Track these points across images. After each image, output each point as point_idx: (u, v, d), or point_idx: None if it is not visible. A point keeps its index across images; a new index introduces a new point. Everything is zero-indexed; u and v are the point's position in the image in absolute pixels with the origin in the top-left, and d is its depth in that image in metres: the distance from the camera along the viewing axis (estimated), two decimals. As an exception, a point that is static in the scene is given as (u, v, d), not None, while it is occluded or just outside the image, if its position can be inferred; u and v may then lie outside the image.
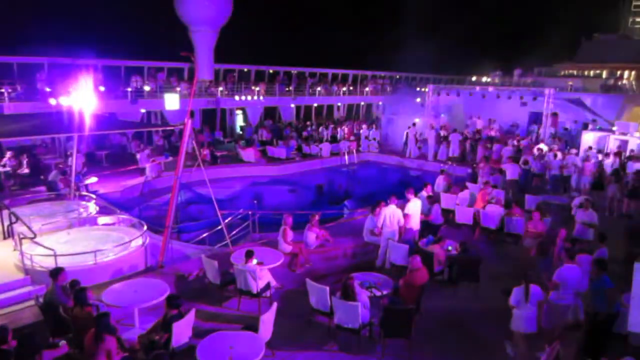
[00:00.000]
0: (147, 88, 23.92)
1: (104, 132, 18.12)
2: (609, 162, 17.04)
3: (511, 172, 15.70)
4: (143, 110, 24.13)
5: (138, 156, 18.04)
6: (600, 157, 17.84)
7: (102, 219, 11.38)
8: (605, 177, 15.92)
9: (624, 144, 19.80)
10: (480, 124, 26.37)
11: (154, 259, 9.49)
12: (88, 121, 10.95)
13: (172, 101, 21.75)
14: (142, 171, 17.27)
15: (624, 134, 20.51)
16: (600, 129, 22.61)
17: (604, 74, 39.21)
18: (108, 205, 12.90)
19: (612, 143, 20.15)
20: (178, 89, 24.42)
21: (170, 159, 18.24)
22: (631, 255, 8.90)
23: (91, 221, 11.18)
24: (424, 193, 11.75)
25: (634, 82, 36.30)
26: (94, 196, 13.08)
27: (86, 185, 14.31)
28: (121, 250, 9.11)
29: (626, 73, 39.73)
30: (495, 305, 8.43)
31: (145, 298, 7.25)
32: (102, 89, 21.41)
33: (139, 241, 9.53)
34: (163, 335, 6.12)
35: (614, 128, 21.83)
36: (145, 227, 9.95)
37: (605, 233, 8.90)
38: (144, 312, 7.41)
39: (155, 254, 9.52)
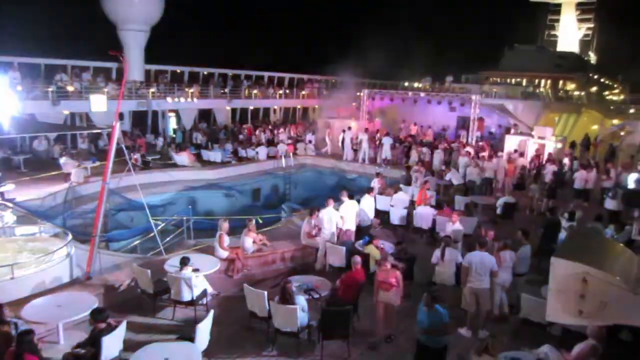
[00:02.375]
0: (70, 88, 22.51)
1: (21, 135, 16.90)
2: (527, 164, 18.28)
3: (455, 177, 16.46)
4: (66, 112, 22.67)
5: (61, 161, 16.96)
6: (521, 159, 19.05)
7: (21, 229, 10.58)
8: (526, 178, 17.07)
9: (541, 147, 21.33)
10: (414, 130, 27.28)
11: (81, 271, 8.95)
12: (4, 123, 10.16)
13: (98, 103, 20.61)
14: (66, 177, 16.25)
15: (541, 137, 22.11)
16: (521, 133, 24.23)
17: (524, 82, 42.08)
18: (28, 214, 12.01)
19: (532, 146, 21.64)
20: (105, 89, 23.18)
21: (98, 163, 17.33)
22: (540, 249, 9.67)
23: (7, 232, 10.35)
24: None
25: (549, 90, 39.30)
26: (10, 204, 12.12)
27: (1, 193, 13.24)
28: (42, 263, 8.51)
29: (543, 81, 42.91)
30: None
31: (70, 313, 6.82)
32: (19, 88, 19.91)
33: (63, 252, 8.96)
34: (90, 351, 5.79)
35: (533, 132, 23.48)
36: (70, 237, 9.37)
37: (528, 230, 9.52)
38: (70, 328, 6.98)
39: (82, 265, 8.98)
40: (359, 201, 11.82)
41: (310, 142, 25.39)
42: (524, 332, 7.42)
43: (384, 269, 7.33)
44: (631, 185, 14.23)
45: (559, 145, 22.74)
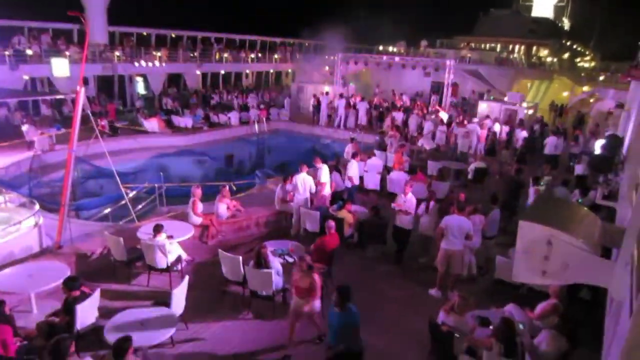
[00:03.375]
0: (29, 52, 21.40)
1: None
2: (498, 130, 18.59)
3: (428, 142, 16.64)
4: (26, 77, 21.64)
5: (24, 128, 16.31)
6: (493, 125, 19.36)
7: (-15, 199, 10.23)
8: (497, 143, 17.43)
9: (513, 112, 21.70)
10: (402, 100, 26.81)
11: (51, 240, 8.79)
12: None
13: (60, 67, 19.71)
14: (29, 145, 15.68)
15: (513, 104, 22.45)
16: (494, 99, 24.53)
17: (498, 48, 42.25)
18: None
19: (504, 112, 21.99)
20: (67, 53, 22.17)
21: (63, 130, 16.75)
22: (504, 206, 9.97)
23: (-29, 202, 10.01)
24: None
25: (523, 56, 39.64)
26: (-28, 174, 11.70)
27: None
28: (10, 233, 8.30)
29: (517, 47, 43.16)
30: (402, 263, 9.08)
31: (41, 282, 6.71)
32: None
33: (31, 221, 8.75)
34: (64, 318, 5.77)
35: (505, 98, 23.80)
36: (37, 206, 9.13)
37: (497, 194, 9.80)
38: (43, 297, 6.91)
39: (51, 235, 8.81)
40: (335, 168, 11.87)
41: (283, 107, 25.13)
42: (497, 292, 7.72)
43: (300, 272, 6.25)
44: (597, 151, 14.71)
45: (531, 111, 23.19)
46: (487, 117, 20.17)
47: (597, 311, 6.17)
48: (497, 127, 18.66)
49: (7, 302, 5.70)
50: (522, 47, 43.15)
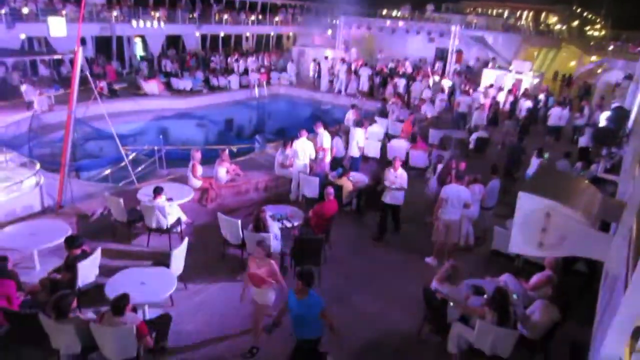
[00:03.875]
0: (25, 10, 20.90)
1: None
2: (502, 100, 18.41)
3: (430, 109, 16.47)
4: (23, 36, 21.20)
5: (22, 88, 16.12)
6: (496, 94, 19.15)
7: (-15, 158, 10.23)
8: (500, 113, 17.25)
9: (518, 82, 21.39)
10: (405, 67, 26.28)
11: (52, 200, 8.84)
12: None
13: (57, 26, 19.22)
14: (28, 105, 15.54)
15: (519, 72, 22.09)
16: (499, 67, 24.12)
17: (506, 13, 41.21)
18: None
19: (509, 81, 21.68)
20: (64, 12, 21.64)
21: (61, 91, 16.56)
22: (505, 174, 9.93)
23: (-28, 160, 10.01)
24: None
25: (530, 23, 38.71)
26: (-28, 133, 11.65)
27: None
28: (12, 191, 8.34)
29: (525, 13, 42.08)
30: (402, 233, 9.15)
31: (43, 240, 6.83)
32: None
33: (32, 181, 8.78)
34: (66, 275, 5.88)
35: (511, 67, 23.39)
36: (38, 166, 9.14)
37: (497, 165, 9.78)
38: (45, 255, 7.01)
39: (52, 194, 8.85)
40: (335, 134, 11.82)
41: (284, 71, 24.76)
42: (493, 262, 7.81)
43: (256, 258, 5.71)
44: (602, 123, 14.62)
45: (536, 81, 22.85)
46: (491, 85, 19.91)
47: (593, 283, 6.28)
48: (501, 97, 18.46)
49: (10, 258, 5.79)
50: (531, 13, 42.08)
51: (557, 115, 15.75)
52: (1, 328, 5.11)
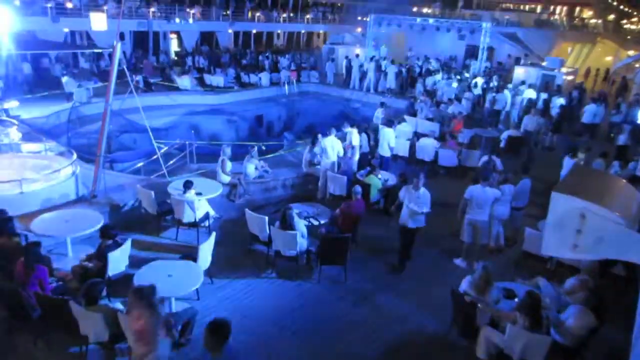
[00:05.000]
0: (69, 4, 21.63)
1: (21, 52, 16.49)
2: (535, 97, 17.89)
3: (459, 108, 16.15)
4: (66, 30, 21.95)
5: (63, 80, 16.68)
6: (527, 91, 18.63)
7: (27, 147, 10.61)
8: (532, 111, 16.76)
9: (551, 78, 20.79)
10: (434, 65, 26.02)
11: (86, 189, 9.10)
12: (4, 40, 9.86)
13: (99, 21, 19.85)
14: (68, 96, 16.06)
15: (552, 69, 21.47)
16: (532, 64, 23.48)
17: (538, 9, 40.04)
18: (33, 132, 12.01)
19: (541, 78, 21.10)
20: (105, 7, 22.30)
21: (100, 84, 17.04)
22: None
23: (14, 148, 10.40)
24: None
25: (564, 18, 37.47)
26: (15, 122, 12.10)
27: (6, 110, 13.17)
28: (50, 179, 8.63)
29: (558, 8, 40.80)
30: (428, 231, 9.00)
31: (77, 228, 7.04)
32: (17, 3, 19.15)
33: (69, 170, 9.04)
34: (97, 264, 6.04)
35: (544, 63, 22.73)
36: (74, 156, 9.41)
37: (528, 164, 9.51)
38: (77, 242, 7.22)
39: (87, 184, 9.12)
40: (364, 132, 11.74)
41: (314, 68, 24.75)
42: (524, 265, 7.59)
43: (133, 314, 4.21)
44: (640, 120, 14.08)
45: (570, 77, 22.16)
46: (523, 82, 19.41)
47: (632, 288, 6.02)
48: (532, 94, 17.95)
49: (44, 244, 5.98)
50: (564, 8, 40.74)
51: (591, 112, 15.18)
52: (34, 312, 5.27)
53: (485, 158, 10.37)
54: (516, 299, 5.68)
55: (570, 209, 3.47)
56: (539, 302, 5.07)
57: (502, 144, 13.55)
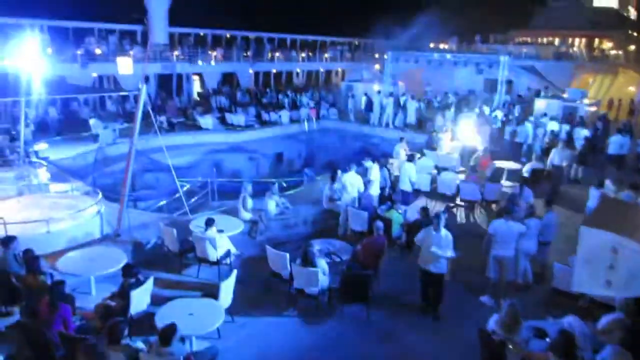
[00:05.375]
0: (98, 51, 22.70)
1: (52, 97, 17.20)
2: (557, 129, 17.70)
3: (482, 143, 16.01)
4: (95, 75, 22.95)
5: (91, 122, 17.28)
6: (550, 123, 18.48)
7: (55, 186, 10.93)
8: (555, 143, 16.54)
9: (573, 110, 20.59)
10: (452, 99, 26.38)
11: (110, 227, 9.24)
12: (36, 85, 10.36)
13: (125, 66, 20.79)
14: (95, 138, 16.58)
15: (574, 100, 21.29)
16: (552, 96, 23.35)
17: (557, 41, 40.11)
18: (60, 172, 12.38)
19: (563, 110, 20.91)
20: (131, 52, 23.31)
21: (125, 125, 17.58)
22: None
23: (42, 188, 10.73)
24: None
25: (584, 50, 37.39)
26: (44, 163, 12.51)
27: (36, 152, 13.65)
28: (75, 219, 8.81)
29: (577, 40, 40.79)
30: (452, 268, 8.80)
31: (101, 266, 7.12)
32: (49, 51, 20.17)
33: (94, 209, 9.24)
34: (120, 303, 6.05)
35: (565, 95, 22.58)
36: (100, 195, 9.63)
37: (554, 198, 9.30)
38: (101, 281, 7.27)
39: (111, 223, 9.27)
40: (381, 168, 11.74)
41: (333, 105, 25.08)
42: (555, 302, 7.30)
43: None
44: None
45: (593, 109, 21.90)
46: (545, 115, 19.27)
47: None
48: (554, 126, 17.77)
49: (69, 283, 6.04)
50: (583, 40, 40.70)
51: (617, 143, 14.87)
52: (58, 351, 5.27)
53: (516, 189, 10.13)
54: (548, 339, 5.44)
55: (601, 244, 3.35)
56: (573, 342, 4.84)
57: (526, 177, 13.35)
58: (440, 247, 6.89)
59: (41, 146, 14.19)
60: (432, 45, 38.26)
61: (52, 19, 23.86)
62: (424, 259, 7.11)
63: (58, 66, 20.11)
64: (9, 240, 6.71)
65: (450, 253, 6.96)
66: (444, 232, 7.00)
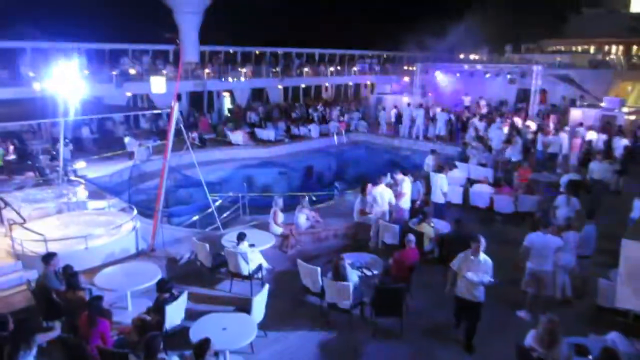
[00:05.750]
0: (132, 71, 23.50)
1: (90, 117, 17.86)
2: (595, 138, 17.17)
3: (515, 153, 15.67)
4: (129, 94, 23.76)
5: (126, 140, 17.83)
6: (587, 133, 17.95)
7: (92, 204, 11.29)
8: (593, 153, 16.03)
9: (612, 119, 19.95)
10: (467, 102, 26.44)
11: (145, 243, 9.47)
12: (74, 106, 10.79)
13: (158, 84, 21.39)
14: (130, 155, 17.09)
15: (611, 109, 20.63)
16: (589, 105, 22.69)
17: (592, 50, 39.14)
18: (97, 189, 12.80)
19: (600, 119, 20.30)
20: (164, 71, 24.02)
21: (158, 142, 18.06)
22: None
23: (81, 206, 11.09)
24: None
25: (622, 57, 36.31)
26: (82, 181, 12.97)
27: (74, 170, 14.17)
28: (112, 235, 9.07)
29: (614, 48, 39.70)
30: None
31: (137, 281, 7.28)
32: (86, 72, 21.01)
33: (130, 225, 9.49)
34: (155, 318, 6.16)
35: (602, 104, 21.92)
36: (135, 211, 9.89)
37: (594, 209, 8.99)
38: (137, 295, 7.42)
39: (146, 238, 9.50)
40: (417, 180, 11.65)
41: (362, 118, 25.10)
42: (597, 318, 7.05)
43: None
44: None
45: (632, 117, 21.14)
46: (581, 124, 18.72)
47: None
48: (592, 136, 17.23)
49: (106, 298, 6.20)
50: (620, 48, 39.52)
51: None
52: (97, 366, 5.39)
53: (562, 199, 9.80)
54: (590, 357, 5.23)
55: (645, 257, 3.22)
56: (617, 359, 4.64)
57: (561, 189, 12.96)
58: (477, 273, 6.38)
59: (79, 165, 14.73)
60: (462, 56, 37.88)
61: (90, 42, 24.88)
62: (460, 286, 6.56)
63: (95, 87, 20.92)
64: (49, 257, 6.93)
65: (487, 279, 6.38)
66: (482, 257, 6.47)
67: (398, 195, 10.51)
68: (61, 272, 6.88)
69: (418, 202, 11.39)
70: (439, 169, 12.19)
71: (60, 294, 6.55)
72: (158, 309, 6.22)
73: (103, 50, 25.50)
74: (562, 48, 38.97)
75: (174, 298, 6.39)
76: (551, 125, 18.65)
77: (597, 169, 12.80)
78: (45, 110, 12.44)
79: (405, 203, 10.72)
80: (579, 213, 8.59)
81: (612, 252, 3.43)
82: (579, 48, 39.74)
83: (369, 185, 10.47)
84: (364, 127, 24.70)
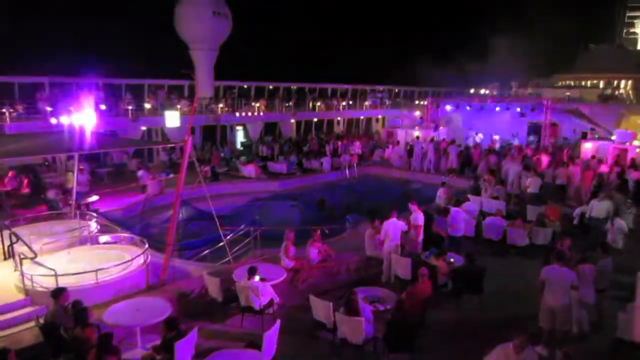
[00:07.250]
0: (147, 106, 24.05)
1: (104, 150, 18.17)
2: (607, 171, 17.06)
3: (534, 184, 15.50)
4: (144, 128, 24.25)
5: (139, 173, 18.07)
6: (598, 166, 17.84)
7: (104, 238, 11.35)
8: (605, 185, 15.85)
9: (623, 152, 19.90)
10: (479, 139, 26.52)
11: (156, 277, 9.44)
12: (89, 139, 10.99)
13: (172, 118, 21.83)
14: (143, 189, 17.27)
15: (623, 142, 20.62)
16: (599, 138, 22.67)
17: (601, 84, 39.36)
18: (109, 223, 12.87)
19: (612, 152, 20.25)
20: (178, 106, 24.54)
21: (171, 175, 18.25)
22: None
23: (92, 240, 11.14)
24: None
25: (630, 92, 36.41)
26: (95, 214, 13.06)
27: (87, 204, 14.32)
28: (123, 269, 9.07)
29: (622, 82, 39.91)
30: (500, 316, 8.42)
31: (147, 317, 7.20)
32: (103, 107, 21.54)
33: (141, 259, 9.49)
34: (164, 356, 6.07)
35: (613, 137, 21.92)
36: (146, 245, 9.91)
37: (608, 243, 8.86)
38: (147, 332, 7.35)
39: (156, 272, 9.47)
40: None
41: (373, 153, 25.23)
42: (616, 352, 6.86)
43: None
44: None
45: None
46: (593, 157, 18.64)
47: None
48: (604, 168, 17.14)
49: (116, 334, 6.14)
50: (629, 82, 39.73)
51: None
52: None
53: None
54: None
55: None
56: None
57: (575, 221, 12.80)
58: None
59: (92, 198, 14.89)
60: (472, 90, 38.23)
61: (106, 76, 25.62)
62: None
63: (111, 121, 21.42)
64: (58, 292, 6.90)
65: None
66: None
67: (411, 228, 10.44)
68: (70, 307, 6.83)
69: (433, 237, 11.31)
70: (453, 202, 12.14)
71: (68, 330, 6.47)
72: (166, 347, 6.13)
73: (120, 85, 26.19)
74: (572, 83, 39.19)
75: (182, 334, 6.31)
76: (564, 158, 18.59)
77: (596, 207, 12.48)
78: (60, 143, 12.64)
79: (419, 236, 10.63)
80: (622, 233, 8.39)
81: (630, 287, 3.35)
82: (588, 83, 39.98)
83: (377, 222, 10.43)
84: (375, 160, 24.77)
